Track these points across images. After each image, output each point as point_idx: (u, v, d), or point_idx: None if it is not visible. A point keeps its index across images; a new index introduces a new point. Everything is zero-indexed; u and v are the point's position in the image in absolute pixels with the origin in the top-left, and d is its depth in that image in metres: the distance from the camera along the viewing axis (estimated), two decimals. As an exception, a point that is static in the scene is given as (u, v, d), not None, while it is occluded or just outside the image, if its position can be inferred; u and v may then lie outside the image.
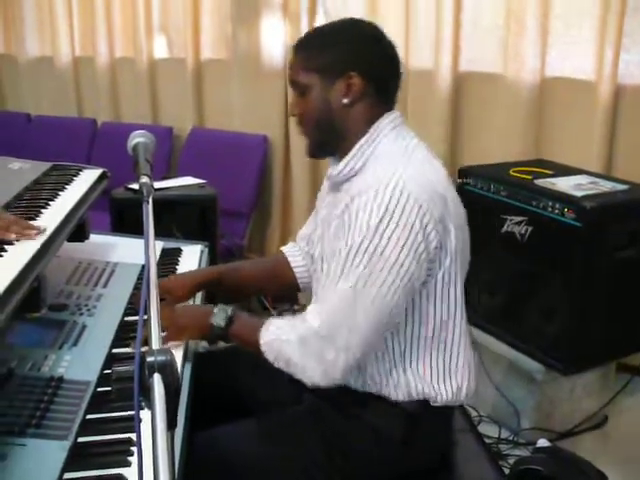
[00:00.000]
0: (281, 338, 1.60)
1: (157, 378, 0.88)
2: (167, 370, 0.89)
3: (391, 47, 1.71)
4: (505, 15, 3.37)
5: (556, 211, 2.70)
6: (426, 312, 1.61)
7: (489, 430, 2.90)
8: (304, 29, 3.99)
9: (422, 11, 3.64)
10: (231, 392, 1.88)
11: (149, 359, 0.90)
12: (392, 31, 3.58)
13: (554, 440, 2.79)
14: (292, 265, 2.02)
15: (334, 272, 1.55)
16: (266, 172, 4.35)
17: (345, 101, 1.64)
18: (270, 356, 1.62)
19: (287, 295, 4.20)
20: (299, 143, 4.11)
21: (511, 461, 2.72)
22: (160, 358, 0.90)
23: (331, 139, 1.70)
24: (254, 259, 2.27)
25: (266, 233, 4.46)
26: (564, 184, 2.81)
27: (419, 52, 3.67)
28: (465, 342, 1.70)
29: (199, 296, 2.04)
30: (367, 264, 1.50)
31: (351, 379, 1.67)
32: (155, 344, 0.95)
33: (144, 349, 0.92)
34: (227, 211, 3.83)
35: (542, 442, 2.69)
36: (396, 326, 1.60)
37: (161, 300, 1.93)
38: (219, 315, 1.69)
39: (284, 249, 2.07)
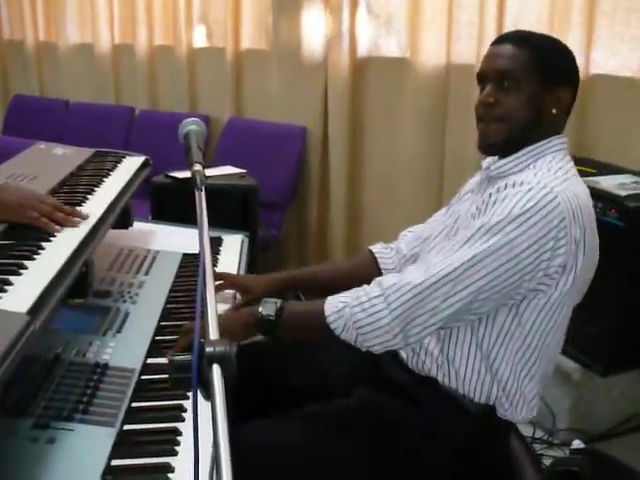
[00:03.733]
0: (352, 304, 1.57)
1: (216, 369, 0.88)
2: (226, 361, 0.89)
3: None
4: (549, 12, 3.32)
5: (599, 210, 2.66)
6: (526, 319, 1.58)
7: (524, 430, 2.83)
8: (345, 21, 3.97)
9: (465, 6, 3.60)
10: (275, 384, 1.86)
11: (208, 349, 0.89)
12: (434, 26, 3.61)
13: (589, 442, 2.75)
14: (382, 267, 1.97)
15: (457, 241, 1.54)
16: (304, 164, 4.34)
17: (554, 111, 1.63)
18: (338, 327, 1.58)
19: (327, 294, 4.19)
20: (338, 135, 4.12)
21: (546, 461, 2.70)
22: (219, 349, 0.89)
23: (522, 140, 1.65)
24: (333, 261, 2.24)
25: (303, 225, 4.45)
26: (607, 183, 2.77)
27: (461, 47, 3.64)
28: (549, 365, 1.69)
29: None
30: (491, 245, 1.49)
31: (437, 371, 1.66)
32: (213, 334, 0.94)
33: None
34: (264, 202, 3.80)
35: (577, 443, 2.67)
36: (480, 316, 1.58)
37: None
38: (267, 306, 1.66)
39: (373, 249, 2.02)
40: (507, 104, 1.63)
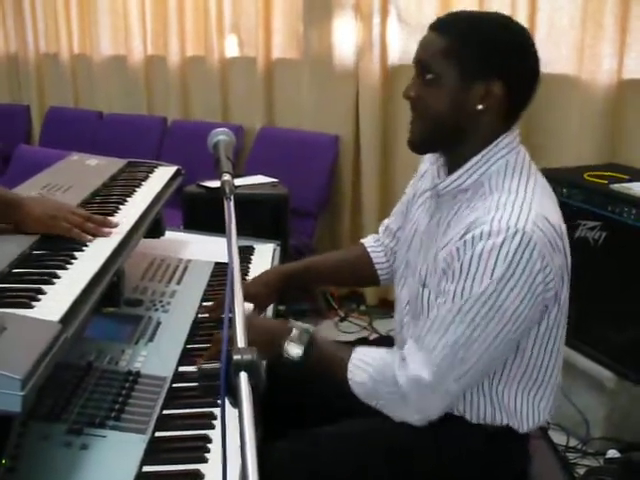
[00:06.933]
0: (376, 379, 1.53)
1: (243, 377, 0.89)
2: (253, 369, 0.89)
3: (537, 60, 1.55)
4: (581, 15, 3.30)
5: (632, 217, 2.64)
6: (529, 351, 1.54)
7: (557, 438, 2.84)
8: (376, 29, 3.98)
9: (496, 11, 3.58)
10: (293, 402, 1.79)
11: (235, 357, 0.90)
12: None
13: (624, 451, 2.72)
14: (374, 261, 1.94)
15: (444, 317, 1.46)
16: (336, 172, 4.33)
17: (479, 107, 1.49)
18: (360, 394, 1.55)
19: (354, 295, 4.20)
20: (370, 143, 4.11)
21: (579, 470, 2.68)
22: (247, 357, 0.90)
23: (445, 140, 1.55)
24: (331, 252, 2.21)
25: (335, 233, 4.44)
26: (641, 189, 2.75)
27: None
28: (557, 375, 1.62)
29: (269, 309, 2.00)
30: (484, 316, 1.42)
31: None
32: (241, 342, 0.95)
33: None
34: (296, 210, 3.84)
35: (612, 453, 2.64)
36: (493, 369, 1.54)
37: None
38: (293, 346, 1.56)
39: (365, 243, 1.99)
40: (425, 99, 1.52)
